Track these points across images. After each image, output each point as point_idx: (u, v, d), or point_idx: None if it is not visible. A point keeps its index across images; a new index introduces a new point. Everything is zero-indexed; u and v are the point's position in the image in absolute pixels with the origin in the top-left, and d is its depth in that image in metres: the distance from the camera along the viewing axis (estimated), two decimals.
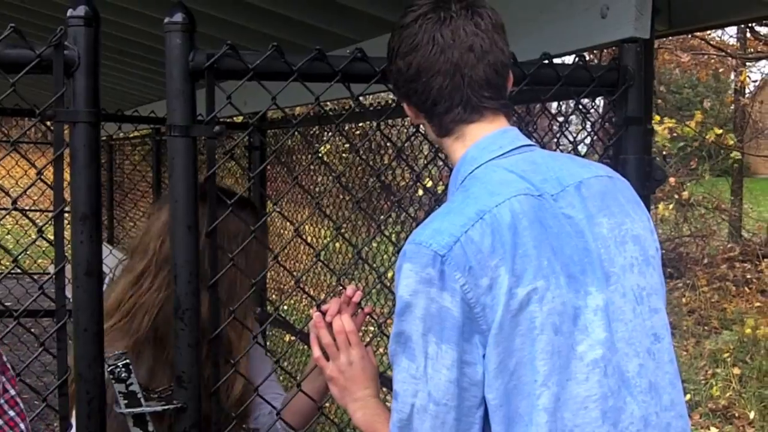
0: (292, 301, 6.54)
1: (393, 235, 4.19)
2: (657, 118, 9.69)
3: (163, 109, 1.76)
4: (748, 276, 10.98)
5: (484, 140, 1.58)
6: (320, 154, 3.78)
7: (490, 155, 1.56)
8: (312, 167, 4.84)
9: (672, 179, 11.04)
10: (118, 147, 8.80)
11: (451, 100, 1.58)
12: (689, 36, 11.94)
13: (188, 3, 1.75)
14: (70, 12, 1.71)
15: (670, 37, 11.11)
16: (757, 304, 9.99)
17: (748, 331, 8.50)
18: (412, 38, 1.57)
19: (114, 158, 8.80)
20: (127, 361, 1.78)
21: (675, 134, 10.23)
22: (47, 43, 1.68)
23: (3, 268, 11.63)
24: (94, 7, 1.72)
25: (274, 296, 5.77)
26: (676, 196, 11.36)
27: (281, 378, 3.87)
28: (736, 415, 7.27)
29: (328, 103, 4.71)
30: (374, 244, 4.76)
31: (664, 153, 10.89)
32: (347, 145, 5.11)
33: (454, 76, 1.56)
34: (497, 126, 1.61)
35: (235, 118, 4.70)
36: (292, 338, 5.21)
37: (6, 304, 6.27)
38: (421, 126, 1.71)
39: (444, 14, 1.56)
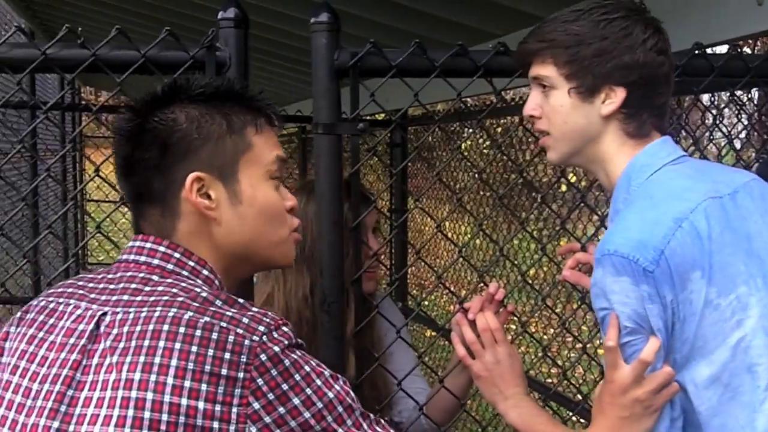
0: (432, 297, 6.56)
1: (535, 232, 4.14)
2: None
3: (308, 108, 1.80)
4: None
5: (651, 148, 1.59)
6: (461, 151, 3.77)
7: (662, 161, 1.57)
8: (452, 163, 4.84)
9: None
10: None
11: (667, 100, 1.63)
12: None
13: (330, 2, 1.79)
14: (220, 14, 1.77)
15: None
16: None
17: None
18: (664, 42, 1.59)
19: None
20: None
21: None
22: (199, 45, 1.75)
23: None
24: (243, 9, 1.78)
25: (414, 291, 5.81)
26: None
27: (423, 373, 3.88)
28: None
29: (468, 99, 4.70)
30: (515, 241, 4.71)
31: None
32: (488, 142, 5.08)
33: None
34: (660, 135, 1.64)
35: (376, 116, 4.76)
36: (433, 334, 5.23)
37: None
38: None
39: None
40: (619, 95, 1.56)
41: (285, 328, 1.24)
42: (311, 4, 1.81)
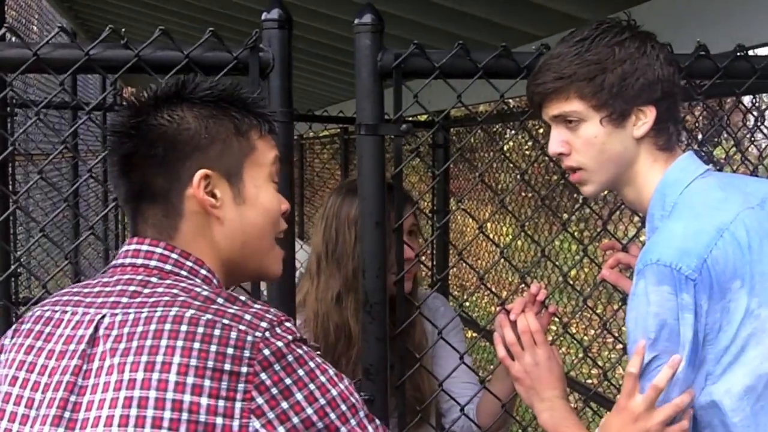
0: (473, 298, 6.55)
1: (576, 233, 4.12)
2: None
3: (350, 109, 1.81)
4: None
5: (680, 162, 1.61)
6: (504, 152, 3.76)
7: (693, 175, 1.58)
8: (494, 164, 4.83)
9: None
10: (308, 146, 9.11)
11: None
12: None
13: (374, 4, 1.79)
14: (264, 15, 1.78)
15: None
16: None
17: None
18: (668, 52, 1.62)
19: (304, 156, 9.11)
20: None
21: None
22: (243, 45, 1.76)
23: None
24: (287, 10, 1.79)
25: (456, 292, 5.81)
26: None
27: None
28: None
29: (510, 100, 4.69)
30: (557, 243, 4.69)
31: None
32: (530, 143, 5.07)
33: None
34: (681, 147, 1.66)
35: (418, 117, 4.76)
36: (474, 335, 5.22)
37: None
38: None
39: None
40: (649, 114, 1.57)
41: (288, 324, 1.24)
42: (355, 5, 1.83)
